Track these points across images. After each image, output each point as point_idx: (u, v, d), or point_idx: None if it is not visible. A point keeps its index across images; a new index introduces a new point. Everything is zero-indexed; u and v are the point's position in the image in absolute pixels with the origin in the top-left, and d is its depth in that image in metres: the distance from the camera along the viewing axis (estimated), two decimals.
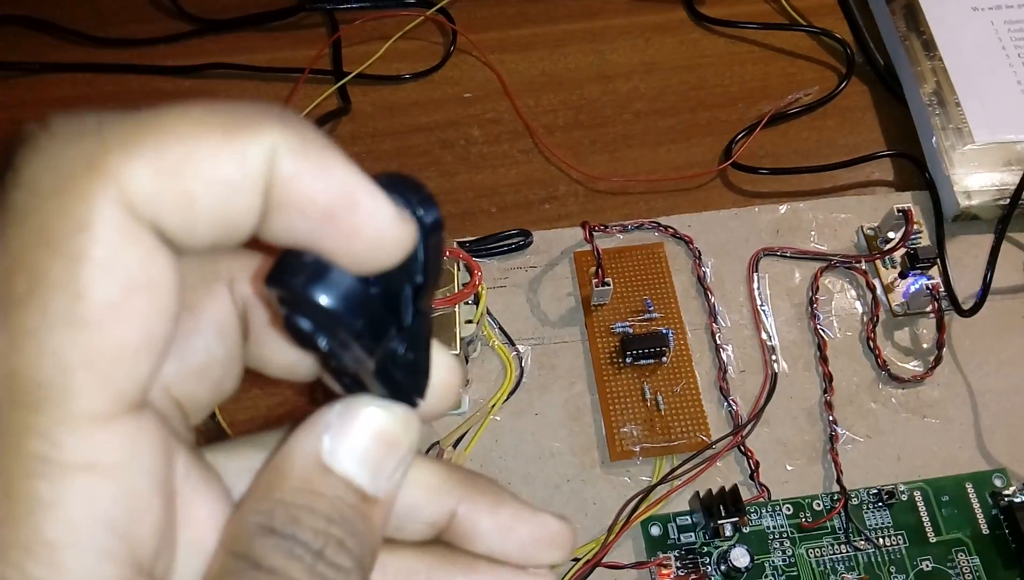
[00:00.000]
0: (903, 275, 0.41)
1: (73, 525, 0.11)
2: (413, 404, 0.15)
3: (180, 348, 0.14)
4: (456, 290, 0.36)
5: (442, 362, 0.16)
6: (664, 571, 0.33)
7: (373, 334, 0.13)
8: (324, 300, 0.12)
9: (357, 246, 0.12)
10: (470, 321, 0.36)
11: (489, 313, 0.40)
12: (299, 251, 0.12)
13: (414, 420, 0.15)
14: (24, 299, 0.11)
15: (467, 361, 0.38)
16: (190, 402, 0.15)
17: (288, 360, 0.16)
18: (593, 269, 0.39)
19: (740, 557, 0.33)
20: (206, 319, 0.15)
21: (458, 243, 0.40)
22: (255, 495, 0.14)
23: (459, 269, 0.36)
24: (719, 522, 0.33)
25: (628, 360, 0.38)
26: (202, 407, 0.15)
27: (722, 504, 0.34)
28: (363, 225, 0.12)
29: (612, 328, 0.40)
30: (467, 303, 0.36)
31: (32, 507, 0.11)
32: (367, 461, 0.14)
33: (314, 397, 0.15)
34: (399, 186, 0.13)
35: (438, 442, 0.37)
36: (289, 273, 0.12)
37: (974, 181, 0.43)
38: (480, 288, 0.36)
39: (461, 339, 0.35)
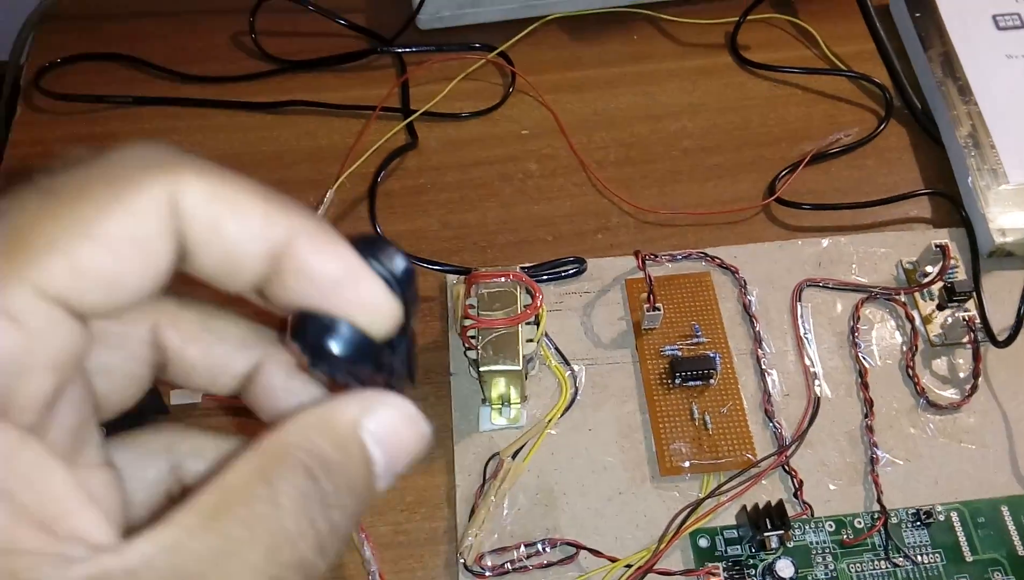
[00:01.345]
0: (941, 307, 0.43)
1: None
2: (411, 383, 0.18)
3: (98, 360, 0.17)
4: (519, 311, 0.38)
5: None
6: (713, 579, 0.35)
7: (376, 365, 0.17)
8: (337, 350, 0.16)
9: (362, 309, 0.16)
10: (531, 340, 0.39)
11: (546, 334, 0.43)
12: (310, 313, 0.16)
13: (427, 440, 0.17)
14: (70, 199, 0.14)
15: (526, 377, 0.40)
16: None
17: (204, 382, 0.19)
18: (644, 295, 0.42)
19: (785, 568, 0.35)
20: (121, 352, 0.17)
21: (519, 269, 0.43)
22: (300, 431, 0.15)
23: (521, 292, 0.39)
24: (765, 534, 0.35)
25: (677, 381, 0.41)
26: (111, 404, 0.18)
27: (768, 517, 0.36)
28: (363, 297, 0.16)
29: (662, 351, 0.42)
30: (528, 323, 0.39)
31: None
32: (388, 455, 0.16)
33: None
34: (372, 248, 0.17)
35: (498, 453, 0.39)
36: (306, 331, 0.16)
37: (1008, 219, 0.45)
38: (541, 309, 0.39)
39: (523, 357, 0.38)
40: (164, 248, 0.14)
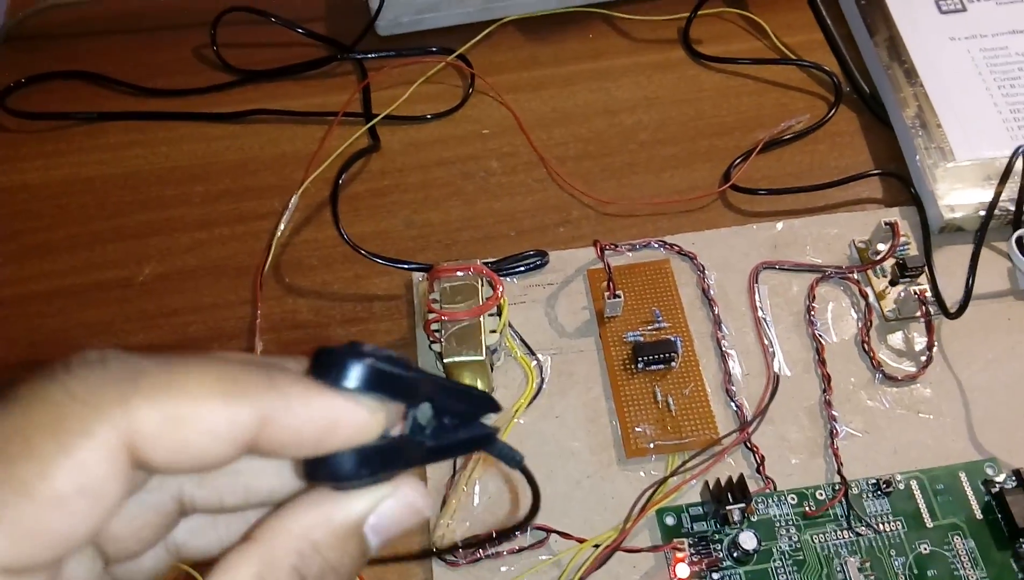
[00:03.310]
0: (893, 283, 0.44)
1: None
2: (495, 411, 0.19)
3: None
4: (480, 303, 0.39)
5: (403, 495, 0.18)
6: (679, 555, 0.36)
7: (398, 457, 0.18)
8: (349, 474, 0.17)
9: (353, 440, 0.17)
10: (494, 331, 0.39)
11: (511, 326, 0.43)
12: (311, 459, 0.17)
13: (414, 518, 0.18)
14: (10, 458, 0.13)
15: (492, 369, 0.41)
16: (116, 549, 0.17)
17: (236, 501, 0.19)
18: (605, 284, 0.43)
19: (748, 540, 0.36)
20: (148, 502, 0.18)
21: (480, 262, 0.44)
22: (302, 529, 0.16)
23: (482, 285, 0.40)
24: (727, 508, 0.36)
25: (640, 366, 0.42)
26: (130, 553, 0.18)
27: (730, 492, 0.36)
28: (348, 431, 0.16)
29: (624, 337, 0.43)
30: (491, 315, 0.40)
31: None
32: (382, 537, 0.17)
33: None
34: (333, 357, 0.17)
35: None
36: (316, 473, 0.17)
37: (957, 196, 0.46)
38: (502, 300, 0.40)
39: (487, 347, 0.38)
40: (114, 489, 0.14)
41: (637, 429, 0.40)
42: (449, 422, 0.19)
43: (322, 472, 0.17)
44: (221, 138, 0.52)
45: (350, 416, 0.16)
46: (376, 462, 0.17)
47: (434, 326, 0.39)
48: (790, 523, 0.38)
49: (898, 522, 0.38)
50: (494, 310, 0.40)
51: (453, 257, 0.47)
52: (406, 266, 0.46)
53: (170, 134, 0.52)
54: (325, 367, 0.17)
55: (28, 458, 0.13)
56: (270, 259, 0.46)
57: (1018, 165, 0.45)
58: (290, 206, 0.48)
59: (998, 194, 0.45)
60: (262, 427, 0.15)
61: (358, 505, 0.17)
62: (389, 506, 0.17)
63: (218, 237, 0.48)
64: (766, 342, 0.43)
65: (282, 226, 0.48)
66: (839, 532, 0.38)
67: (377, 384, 0.17)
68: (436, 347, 0.39)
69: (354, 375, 0.17)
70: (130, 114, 0.53)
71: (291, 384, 0.16)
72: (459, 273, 0.40)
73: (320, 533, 0.16)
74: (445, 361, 0.38)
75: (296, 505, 0.17)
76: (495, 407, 0.19)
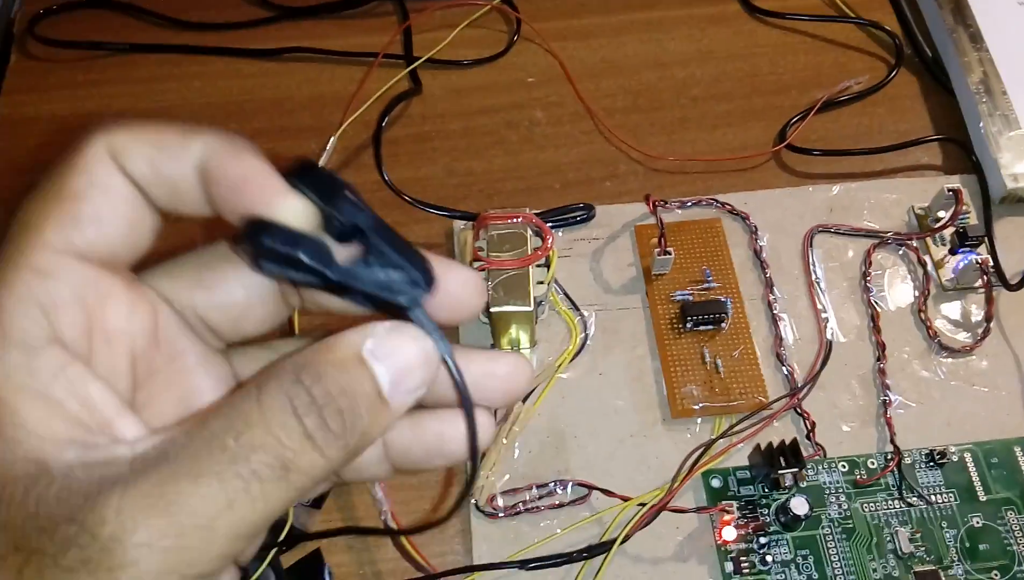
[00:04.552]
0: (953, 252, 0.43)
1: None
2: (426, 290, 0.18)
3: (219, 292, 0.20)
4: (529, 253, 0.38)
5: (457, 276, 0.19)
6: (726, 517, 0.35)
7: (323, 260, 0.17)
8: (266, 243, 0.17)
9: (273, 205, 0.18)
10: (541, 282, 0.38)
11: (555, 280, 0.42)
12: (245, 218, 0.18)
13: (435, 359, 0.18)
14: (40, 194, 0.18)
15: (536, 321, 0.40)
16: (219, 323, 0.20)
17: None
18: (654, 240, 0.42)
19: (800, 506, 0.35)
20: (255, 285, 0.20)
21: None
22: (297, 356, 0.17)
23: (531, 234, 0.39)
24: (780, 472, 0.35)
25: (688, 326, 0.40)
26: (231, 330, 0.20)
27: (783, 455, 0.35)
28: (271, 194, 0.18)
29: (672, 296, 0.42)
30: (539, 265, 0.38)
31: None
32: (393, 370, 0.17)
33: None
34: (300, 172, 0.18)
35: None
36: (241, 233, 0.18)
37: (1021, 166, 0.44)
38: (552, 251, 0.38)
39: (534, 298, 0.37)
40: (125, 187, 0.18)
41: (684, 389, 0.39)
42: (378, 267, 0.18)
43: (248, 232, 0.17)
44: (257, 75, 0.50)
45: (275, 182, 0.18)
46: (288, 241, 0.17)
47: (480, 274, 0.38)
48: (840, 491, 0.37)
49: (951, 494, 0.37)
50: (542, 261, 0.38)
51: (495, 207, 0.45)
52: (448, 213, 0.44)
53: (204, 69, 0.51)
54: (291, 166, 0.18)
55: (66, 196, 0.17)
56: None
57: None
58: (328, 148, 0.47)
59: None
60: (206, 166, 0.18)
61: (351, 334, 0.17)
62: (382, 329, 0.18)
63: None
64: (819, 307, 0.41)
65: None
66: (890, 502, 0.37)
67: (320, 193, 0.18)
68: None
69: (301, 170, 0.18)
70: (163, 47, 0.51)
71: (232, 144, 0.18)
72: (509, 221, 0.38)
73: (314, 354, 0.17)
74: (492, 310, 0.37)
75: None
76: (428, 281, 0.18)
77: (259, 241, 0.17)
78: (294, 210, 0.18)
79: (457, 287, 0.19)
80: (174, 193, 0.18)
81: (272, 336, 0.21)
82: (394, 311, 0.18)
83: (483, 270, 0.37)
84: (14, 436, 0.16)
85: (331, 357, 0.17)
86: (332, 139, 0.47)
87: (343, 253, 0.18)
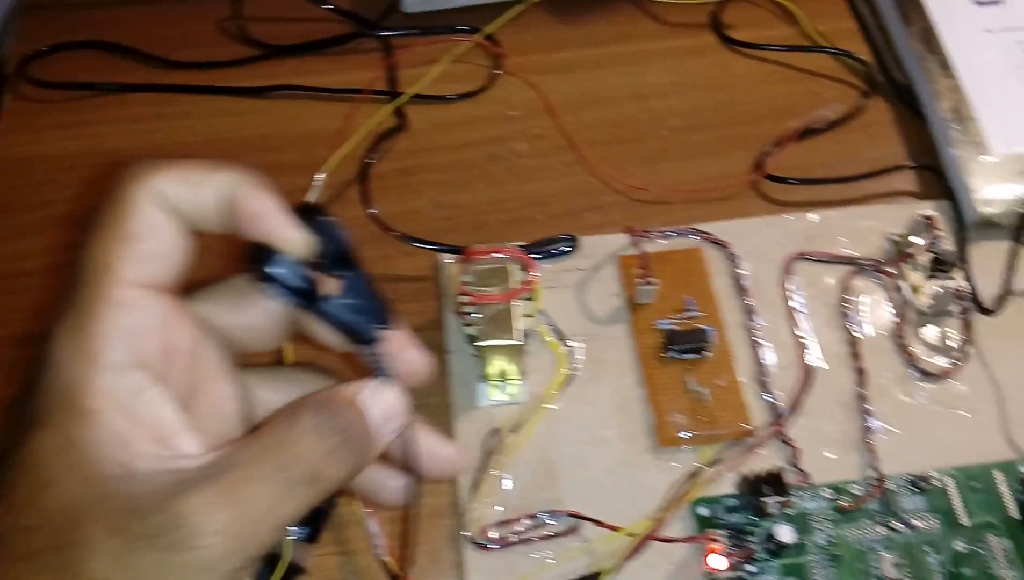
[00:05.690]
0: (928, 278, 0.44)
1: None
2: (381, 325, 0.24)
3: (249, 315, 0.25)
4: (512, 286, 0.38)
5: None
6: (714, 545, 0.36)
7: (310, 295, 0.23)
8: (267, 268, 0.22)
9: (282, 237, 0.23)
10: (528, 315, 0.39)
11: (542, 312, 0.43)
12: (253, 243, 0.23)
13: (406, 411, 0.24)
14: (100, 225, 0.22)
15: (523, 353, 0.40)
16: (242, 342, 0.25)
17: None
18: (638, 270, 0.42)
19: (785, 533, 0.35)
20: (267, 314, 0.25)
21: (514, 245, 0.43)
22: (320, 394, 0.23)
23: (515, 268, 0.39)
24: (764, 499, 0.36)
25: (673, 354, 0.41)
26: (248, 348, 0.25)
27: (766, 484, 0.36)
28: (282, 228, 0.23)
29: (656, 325, 0.42)
30: (524, 299, 0.39)
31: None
32: (381, 414, 0.23)
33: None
34: (307, 214, 0.23)
35: (498, 428, 0.39)
36: (248, 254, 0.23)
37: (992, 191, 0.46)
38: (536, 284, 0.39)
39: (521, 331, 0.38)
40: (171, 222, 0.22)
41: (670, 418, 0.40)
42: (352, 304, 0.23)
43: (256, 256, 0.22)
44: (245, 113, 0.51)
45: (285, 218, 0.23)
46: (292, 272, 0.22)
47: (467, 309, 0.38)
48: (825, 518, 0.37)
49: (934, 519, 0.37)
50: (527, 294, 0.39)
51: (481, 240, 0.46)
52: (435, 247, 0.45)
53: (193, 108, 0.51)
54: (300, 206, 0.23)
55: (122, 234, 0.22)
56: None
57: None
58: (315, 184, 0.47)
59: None
60: (234, 196, 0.22)
61: (351, 385, 0.23)
62: (372, 385, 0.24)
63: None
64: (800, 334, 0.42)
65: None
66: (875, 528, 0.37)
67: (320, 233, 0.23)
68: (470, 330, 0.39)
69: (308, 212, 0.23)
70: (153, 86, 0.52)
71: (255, 183, 0.23)
72: (493, 256, 0.39)
73: (326, 395, 0.23)
74: (479, 345, 0.37)
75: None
76: (382, 320, 0.24)
77: (260, 266, 0.22)
78: (295, 243, 0.22)
79: (407, 366, 0.25)
80: (199, 218, 0.22)
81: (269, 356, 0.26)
82: (359, 339, 0.24)
83: (471, 304, 0.38)
84: (107, 441, 0.20)
85: (343, 398, 0.23)
86: (319, 175, 0.48)
87: (329, 286, 0.23)
